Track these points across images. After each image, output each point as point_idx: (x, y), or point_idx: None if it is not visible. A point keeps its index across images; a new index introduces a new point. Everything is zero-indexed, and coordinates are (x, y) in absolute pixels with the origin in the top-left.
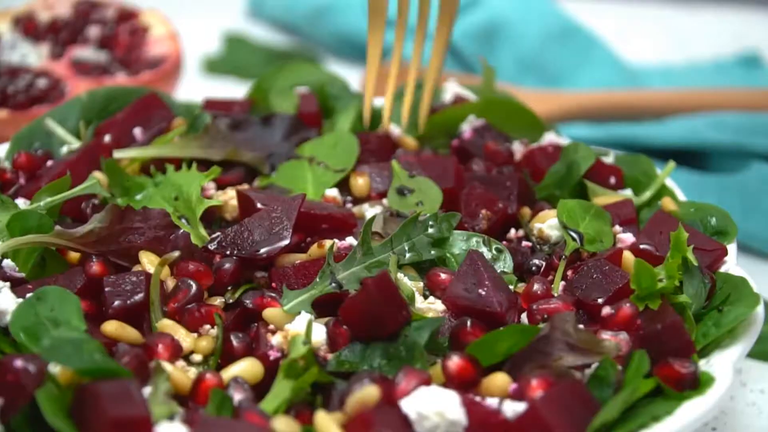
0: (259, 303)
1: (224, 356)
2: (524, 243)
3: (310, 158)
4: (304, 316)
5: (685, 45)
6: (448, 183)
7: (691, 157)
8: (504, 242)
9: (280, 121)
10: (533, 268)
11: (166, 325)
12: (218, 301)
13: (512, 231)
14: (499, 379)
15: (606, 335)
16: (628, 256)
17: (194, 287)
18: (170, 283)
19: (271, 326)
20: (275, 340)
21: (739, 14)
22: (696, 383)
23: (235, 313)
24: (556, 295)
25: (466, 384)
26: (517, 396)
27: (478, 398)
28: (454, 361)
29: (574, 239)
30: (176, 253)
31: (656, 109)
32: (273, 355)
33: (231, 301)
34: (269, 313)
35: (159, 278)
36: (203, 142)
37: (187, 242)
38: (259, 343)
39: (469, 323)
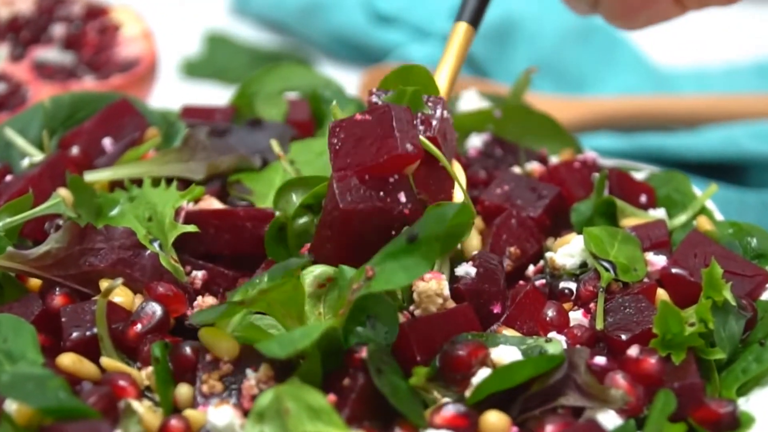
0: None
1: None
2: (538, 282)
3: (290, 161)
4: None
5: (722, 46)
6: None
7: (728, 171)
8: (521, 282)
9: (268, 127)
10: (566, 291)
11: (108, 364)
12: None
13: (531, 267)
14: (494, 420)
15: (619, 379)
16: (662, 294)
17: (159, 313)
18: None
19: (209, 356)
20: (206, 386)
21: None
22: (735, 424)
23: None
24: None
25: None
26: None
27: None
28: (443, 416)
29: (607, 269)
30: (119, 281)
31: (689, 118)
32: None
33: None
34: (204, 334)
35: (104, 311)
36: (182, 156)
37: (156, 264)
38: (197, 389)
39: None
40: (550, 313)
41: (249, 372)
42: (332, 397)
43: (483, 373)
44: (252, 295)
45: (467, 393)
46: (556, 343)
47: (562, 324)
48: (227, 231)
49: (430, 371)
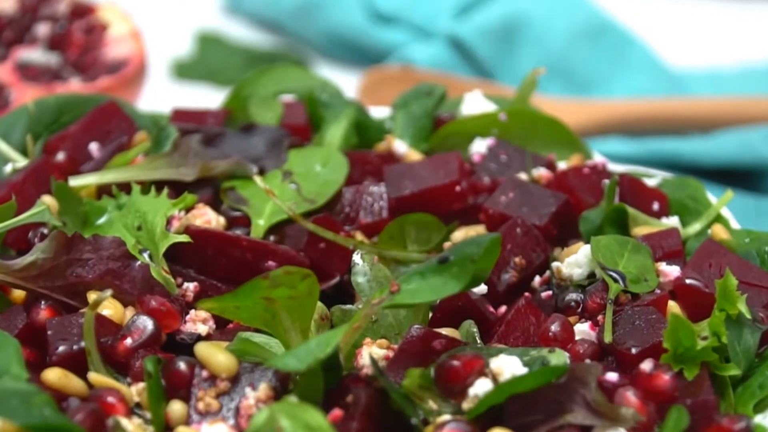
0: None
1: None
2: (544, 294)
3: (287, 172)
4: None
5: (736, 46)
6: (452, 176)
7: (745, 177)
8: (526, 294)
9: (263, 131)
10: (572, 304)
11: (96, 380)
12: None
13: (536, 278)
14: None
15: (631, 396)
16: (673, 307)
17: (150, 327)
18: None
19: (205, 372)
20: (202, 403)
21: None
22: None
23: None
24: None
25: None
26: None
27: None
28: None
29: (615, 280)
30: (108, 293)
31: (703, 121)
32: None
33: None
34: (201, 350)
35: (92, 324)
36: (172, 161)
37: (146, 275)
38: (192, 406)
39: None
40: (554, 327)
41: (248, 390)
42: (338, 412)
43: (481, 384)
44: (276, 273)
45: (465, 405)
46: (560, 353)
47: (566, 339)
48: (226, 256)
49: (424, 379)
